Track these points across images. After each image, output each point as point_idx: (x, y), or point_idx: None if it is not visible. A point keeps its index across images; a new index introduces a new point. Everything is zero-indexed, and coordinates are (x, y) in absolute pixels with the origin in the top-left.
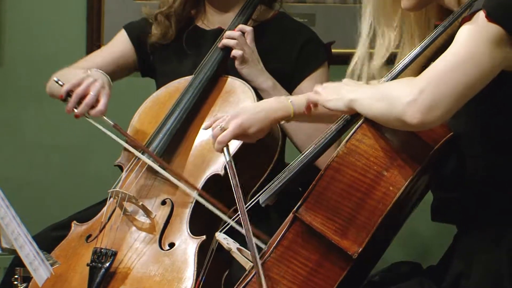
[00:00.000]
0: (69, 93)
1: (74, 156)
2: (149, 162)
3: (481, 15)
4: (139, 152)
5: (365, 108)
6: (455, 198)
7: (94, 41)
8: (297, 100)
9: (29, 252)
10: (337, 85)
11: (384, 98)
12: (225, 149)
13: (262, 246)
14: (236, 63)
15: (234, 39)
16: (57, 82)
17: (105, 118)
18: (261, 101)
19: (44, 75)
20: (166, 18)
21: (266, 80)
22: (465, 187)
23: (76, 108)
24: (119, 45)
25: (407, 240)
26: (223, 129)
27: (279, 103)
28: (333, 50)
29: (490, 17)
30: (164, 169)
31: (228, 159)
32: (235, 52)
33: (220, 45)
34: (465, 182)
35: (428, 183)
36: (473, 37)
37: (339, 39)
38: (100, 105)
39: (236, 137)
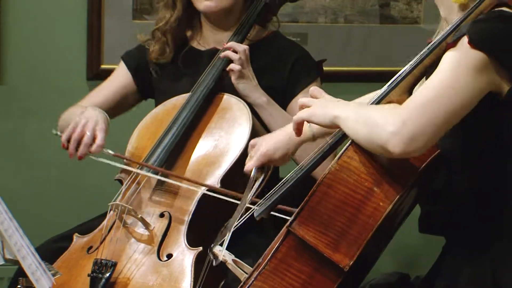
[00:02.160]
0: (69, 140)
1: (75, 170)
2: (150, 175)
3: (464, 41)
4: (139, 168)
5: (350, 130)
6: (440, 211)
7: (93, 60)
8: (315, 127)
9: (31, 262)
10: (324, 101)
11: (368, 124)
12: (254, 170)
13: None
14: (233, 77)
15: (236, 52)
16: (56, 134)
17: (104, 151)
18: (283, 127)
19: (45, 94)
20: (163, 34)
21: (260, 96)
22: (449, 201)
23: (77, 150)
24: (119, 78)
25: (396, 252)
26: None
27: None
28: (324, 68)
29: (473, 44)
30: (166, 176)
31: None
32: (234, 66)
33: (222, 55)
34: (450, 197)
35: (416, 197)
36: (456, 65)
37: (331, 57)
38: (98, 141)
39: (263, 164)
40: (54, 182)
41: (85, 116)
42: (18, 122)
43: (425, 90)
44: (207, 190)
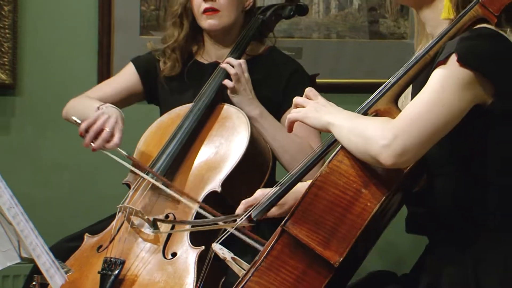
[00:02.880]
0: (87, 130)
1: (86, 175)
2: (154, 182)
3: (453, 59)
4: (145, 173)
5: (343, 139)
6: (425, 212)
7: (104, 73)
8: None
9: (45, 261)
10: (317, 104)
11: (361, 135)
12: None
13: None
14: (228, 91)
15: (233, 66)
16: (75, 121)
17: (119, 149)
18: None
19: (59, 104)
20: (172, 51)
21: (254, 109)
22: (434, 203)
23: (93, 142)
24: (126, 76)
25: (384, 251)
26: None
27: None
28: (318, 80)
29: (462, 62)
30: (167, 186)
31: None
32: (227, 82)
33: (221, 67)
34: (434, 199)
35: (402, 198)
36: (445, 82)
37: (324, 70)
38: (115, 139)
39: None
40: (67, 187)
41: (108, 112)
42: (33, 131)
43: (415, 105)
44: (199, 207)
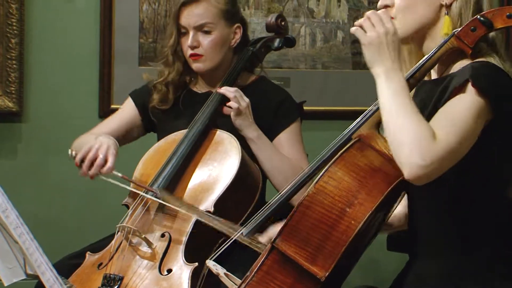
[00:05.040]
0: (82, 160)
1: (88, 197)
2: (153, 198)
3: (471, 89)
4: (144, 192)
5: (381, 107)
6: (405, 231)
7: (104, 101)
8: None
9: (49, 277)
10: (384, 37)
11: (398, 133)
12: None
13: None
14: (232, 114)
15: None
16: (71, 154)
17: (114, 172)
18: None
19: (62, 130)
20: (164, 86)
21: (253, 131)
22: (412, 222)
23: (89, 170)
24: (126, 110)
25: (366, 267)
26: None
27: None
28: (305, 108)
29: (482, 92)
30: (166, 201)
31: None
32: (232, 104)
33: (219, 90)
34: (412, 218)
35: (384, 217)
36: (468, 111)
37: (310, 98)
38: (109, 163)
39: None
40: (70, 207)
41: (99, 141)
42: (38, 155)
43: (449, 135)
44: (199, 217)
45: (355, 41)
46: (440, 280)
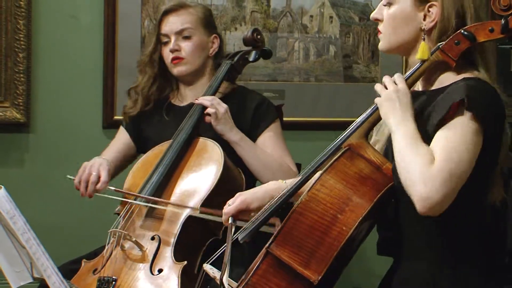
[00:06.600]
0: (79, 182)
1: (91, 205)
2: (142, 204)
3: (468, 114)
4: (134, 199)
5: (395, 150)
6: (392, 236)
7: (108, 113)
8: (289, 181)
9: (55, 281)
10: (394, 95)
11: (407, 166)
12: (230, 219)
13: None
14: (212, 120)
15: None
16: (70, 179)
17: (108, 187)
18: (262, 185)
19: (68, 141)
20: (135, 93)
21: (235, 135)
22: (399, 226)
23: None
24: (119, 138)
25: (356, 270)
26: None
27: (275, 184)
28: (299, 119)
29: (478, 118)
30: (155, 203)
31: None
32: (210, 110)
33: (196, 102)
34: (399, 223)
35: (372, 223)
36: (465, 136)
37: (304, 109)
38: (102, 178)
39: (239, 211)
40: (74, 215)
41: (92, 161)
42: (45, 165)
43: (450, 161)
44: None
45: (347, 55)
46: (422, 284)
